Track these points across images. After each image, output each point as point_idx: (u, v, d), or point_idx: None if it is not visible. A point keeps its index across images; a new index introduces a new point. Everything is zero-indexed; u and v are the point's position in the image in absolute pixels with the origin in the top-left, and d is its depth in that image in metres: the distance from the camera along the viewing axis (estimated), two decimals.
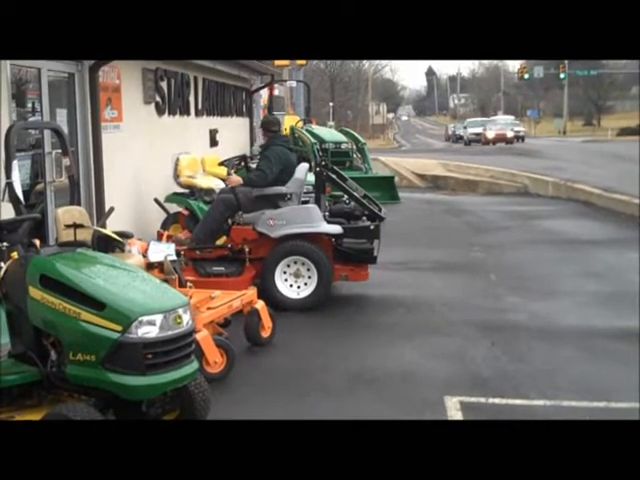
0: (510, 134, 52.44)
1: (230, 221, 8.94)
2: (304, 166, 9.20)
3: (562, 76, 64.23)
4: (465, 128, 61.12)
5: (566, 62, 62.08)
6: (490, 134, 52.34)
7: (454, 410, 5.40)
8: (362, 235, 8.66)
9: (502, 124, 56.62)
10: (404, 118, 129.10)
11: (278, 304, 8.10)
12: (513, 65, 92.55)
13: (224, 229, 8.95)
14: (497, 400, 5.61)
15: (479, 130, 56.54)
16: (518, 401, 5.61)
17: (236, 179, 8.96)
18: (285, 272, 8.40)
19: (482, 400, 5.62)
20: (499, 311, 8.23)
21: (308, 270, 8.38)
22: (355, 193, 8.97)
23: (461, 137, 60.99)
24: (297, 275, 8.41)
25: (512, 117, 66.99)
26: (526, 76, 66.00)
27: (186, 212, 10.58)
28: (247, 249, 8.51)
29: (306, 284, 8.39)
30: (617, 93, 69.51)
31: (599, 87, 75.62)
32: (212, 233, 8.92)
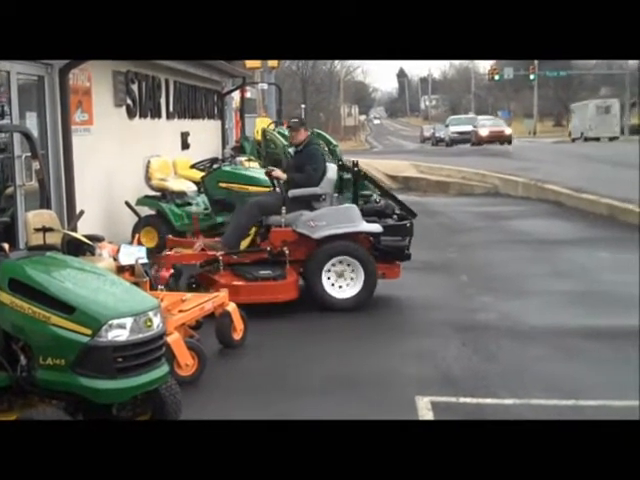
0: (508, 131, 46.01)
1: (262, 224, 8.82)
2: (333, 166, 9.22)
3: (532, 77, 64.59)
4: (447, 126, 53.69)
5: (536, 63, 62.42)
6: (484, 132, 45.48)
7: (425, 410, 5.43)
8: (399, 233, 8.71)
9: (494, 121, 50.70)
10: (377, 122, 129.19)
11: (325, 305, 8.24)
12: (484, 66, 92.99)
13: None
14: (468, 399, 5.65)
15: (464, 128, 49.55)
16: (488, 400, 5.65)
17: (281, 173, 8.87)
18: (329, 272, 8.39)
19: (453, 400, 5.65)
20: (470, 311, 8.28)
21: (352, 270, 8.38)
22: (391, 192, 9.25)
23: (442, 139, 53.45)
24: (340, 275, 8.41)
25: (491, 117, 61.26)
26: (496, 77, 66.20)
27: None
28: (287, 251, 8.38)
29: (348, 285, 8.40)
30: (586, 94, 70.01)
31: (568, 88, 76.24)
32: (242, 237, 8.83)
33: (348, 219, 8.46)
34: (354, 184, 9.07)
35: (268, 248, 8.47)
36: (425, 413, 5.38)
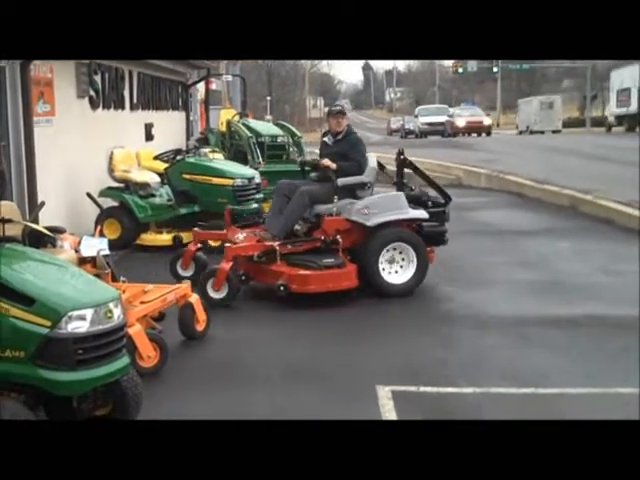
0: (487, 121, 44.83)
1: (311, 213, 8.83)
2: (373, 156, 9.31)
3: (495, 70, 65.09)
4: (416, 117, 52.06)
5: None
6: (460, 122, 44.19)
7: (386, 399, 5.47)
8: (438, 219, 8.92)
9: (472, 111, 48.72)
10: None
11: (383, 292, 8.42)
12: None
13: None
14: (428, 389, 5.71)
15: (435, 119, 48.27)
16: (448, 389, 5.72)
17: (331, 163, 8.86)
18: (383, 258, 8.52)
19: (413, 389, 5.70)
20: (433, 301, 8.35)
21: (402, 256, 8.57)
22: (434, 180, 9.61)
23: (412, 131, 51.30)
24: (391, 261, 8.53)
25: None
26: (460, 70, 66.58)
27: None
28: (340, 240, 8.45)
29: (397, 272, 8.54)
30: (549, 86, 70.76)
31: (531, 80, 76.95)
32: (293, 226, 8.82)
33: (397, 206, 8.64)
34: (398, 173, 9.21)
35: (322, 237, 8.53)
36: (386, 402, 5.42)
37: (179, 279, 8.85)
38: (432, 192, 9.39)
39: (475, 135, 43.45)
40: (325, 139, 9.40)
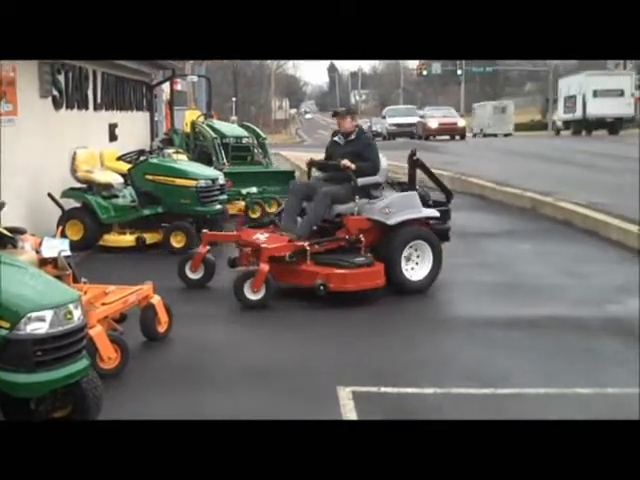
0: (461, 123, 42.22)
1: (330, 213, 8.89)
2: (383, 156, 9.45)
3: (459, 73, 65.58)
4: (384, 118, 50.73)
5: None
6: (433, 123, 41.48)
7: (346, 400, 5.50)
8: (444, 217, 9.28)
9: (445, 111, 46.22)
10: (309, 116, 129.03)
11: (404, 289, 8.61)
12: (412, 62, 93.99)
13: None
14: (389, 389, 5.74)
15: (403, 120, 47.12)
16: (409, 390, 5.76)
17: (350, 163, 8.93)
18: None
19: (374, 389, 5.73)
20: (394, 301, 8.39)
21: (417, 254, 8.79)
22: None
23: (379, 133, 48.09)
24: (407, 259, 8.75)
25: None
26: (424, 72, 67.04)
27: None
28: (363, 239, 8.58)
29: (413, 269, 8.77)
30: (511, 89, 71.59)
31: (494, 84, 77.74)
32: (315, 226, 8.89)
33: (412, 205, 8.91)
34: (410, 173, 9.50)
35: (346, 236, 8.62)
36: (347, 403, 5.45)
37: (188, 282, 8.82)
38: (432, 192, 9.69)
39: (448, 138, 42.03)
40: (336, 139, 9.50)
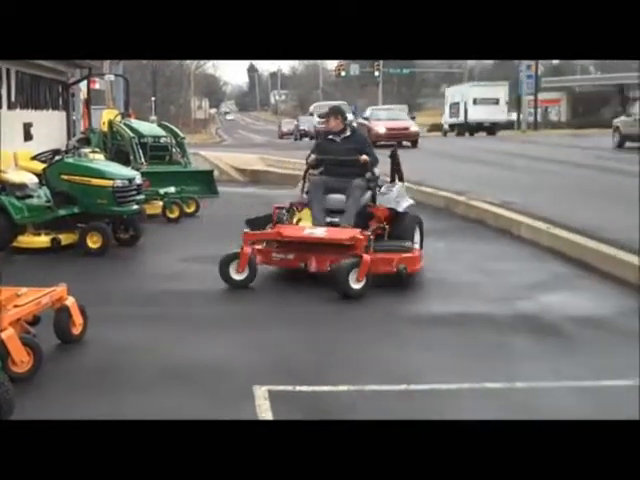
0: (414, 128, 35.02)
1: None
2: None
3: (376, 74, 66.50)
4: (312, 115, 47.91)
5: (380, 61, 64.58)
6: (380, 128, 33.23)
7: (262, 399, 5.53)
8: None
9: (391, 112, 39.78)
10: (230, 117, 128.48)
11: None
12: (331, 63, 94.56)
13: None
14: (304, 388, 5.80)
15: None
16: (324, 388, 5.82)
17: (366, 157, 9.72)
18: None
19: (289, 388, 5.78)
20: (310, 301, 8.45)
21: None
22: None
23: (307, 133, 47.62)
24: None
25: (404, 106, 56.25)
26: (343, 73, 67.85)
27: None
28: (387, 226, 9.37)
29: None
30: (428, 91, 72.82)
31: (411, 85, 78.99)
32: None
33: (405, 195, 10.04)
34: (394, 168, 10.24)
35: (379, 225, 9.32)
36: (262, 402, 5.48)
37: (232, 284, 8.79)
38: None
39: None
40: (330, 137, 10.00)
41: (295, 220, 9.61)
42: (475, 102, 50.89)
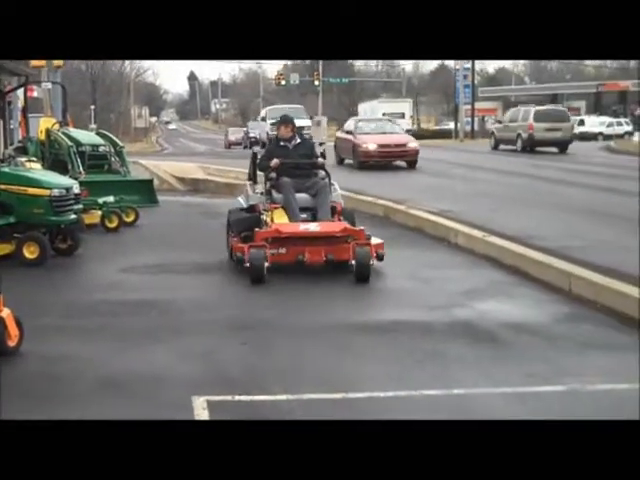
0: (413, 144, 26.84)
1: None
2: None
3: (316, 83, 67.25)
4: (264, 120, 44.07)
5: (320, 70, 65.57)
6: (370, 145, 26.33)
7: (201, 409, 5.53)
8: None
9: (382, 124, 30.18)
10: (172, 127, 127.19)
11: None
12: (271, 71, 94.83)
13: None
14: (243, 397, 5.80)
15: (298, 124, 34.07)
16: (262, 397, 5.83)
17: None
18: None
19: (228, 398, 5.79)
20: (250, 310, 8.47)
21: None
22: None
23: (258, 140, 42.12)
24: None
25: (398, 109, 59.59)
26: (283, 82, 68.28)
27: None
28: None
29: None
30: (368, 99, 73.48)
31: (351, 94, 79.61)
32: None
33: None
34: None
35: (339, 218, 10.51)
36: (201, 412, 5.48)
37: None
38: None
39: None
40: (282, 144, 11.03)
41: (269, 219, 10.11)
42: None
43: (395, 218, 14.67)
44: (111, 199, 14.68)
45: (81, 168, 15.53)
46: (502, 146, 35.21)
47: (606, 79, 76.77)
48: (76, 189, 11.99)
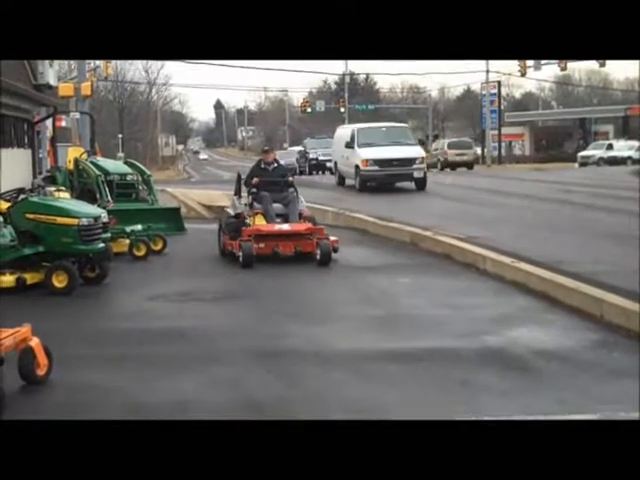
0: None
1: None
2: None
3: (342, 110, 67.20)
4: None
5: (346, 97, 65.54)
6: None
7: None
8: None
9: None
10: (203, 157, 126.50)
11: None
12: (297, 98, 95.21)
13: None
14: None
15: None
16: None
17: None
18: None
19: None
20: (277, 337, 8.45)
21: None
22: None
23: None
24: None
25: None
26: (309, 110, 68.47)
27: None
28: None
29: None
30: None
31: (378, 120, 79.41)
32: None
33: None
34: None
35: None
36: None
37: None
38: None
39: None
40: (262, 166, 14.45)
41: (252, 223, 13.20)
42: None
43: (423, 245, 14.55)
44: (139, 227, 14.76)
45: (109, 197, 15.63)
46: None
47: (633, 103, 76.46)
48: (104, 218, 12.07)
